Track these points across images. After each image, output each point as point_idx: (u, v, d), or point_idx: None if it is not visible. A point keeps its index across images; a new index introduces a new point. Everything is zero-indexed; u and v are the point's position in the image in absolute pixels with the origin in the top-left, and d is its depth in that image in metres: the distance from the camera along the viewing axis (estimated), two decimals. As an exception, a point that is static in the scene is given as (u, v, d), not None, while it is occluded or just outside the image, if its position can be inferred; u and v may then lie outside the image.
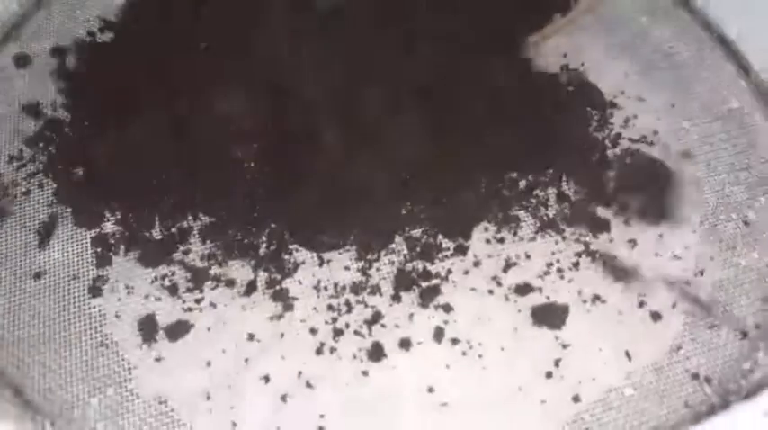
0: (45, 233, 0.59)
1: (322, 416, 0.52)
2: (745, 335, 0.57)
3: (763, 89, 0.73)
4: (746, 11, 0.75)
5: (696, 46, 0.78)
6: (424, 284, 0.58)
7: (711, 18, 0.80)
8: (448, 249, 0.60)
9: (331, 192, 0.59)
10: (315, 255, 0.60)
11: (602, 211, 0.62)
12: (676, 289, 0.59)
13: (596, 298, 0.58)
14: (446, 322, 0.56)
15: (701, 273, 0.60)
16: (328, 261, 0.59)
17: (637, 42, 0.78)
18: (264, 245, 0.60)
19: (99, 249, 0.59)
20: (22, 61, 0.73)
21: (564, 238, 0.61)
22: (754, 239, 0.62)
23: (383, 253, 0.60)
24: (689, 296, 0.59)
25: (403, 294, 0.57)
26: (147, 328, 0.55)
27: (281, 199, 0.60)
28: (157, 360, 0.54)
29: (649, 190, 0.64)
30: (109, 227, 0.60)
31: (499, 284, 0.58)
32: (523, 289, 0.58)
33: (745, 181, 0.65)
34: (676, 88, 0.73)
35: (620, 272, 0.59)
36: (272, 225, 0.60)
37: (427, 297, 0.57)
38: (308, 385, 0.53)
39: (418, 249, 0.60)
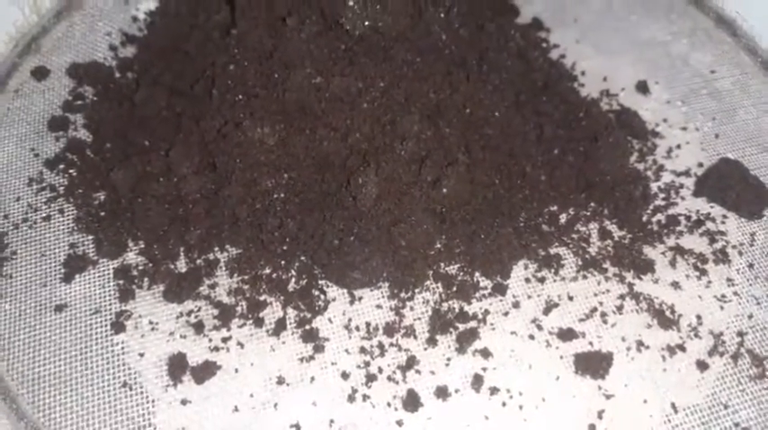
0: (72, 269, 0.57)
1: (355, 469, 0.50)
2: (796, 387, 0.54)
3: (812, 120, 0.70)
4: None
5: (739, 71, 0.75)
6: (460, 327, 0.55)
7: (757, 42, 0.77)
8: (485, 288, 0.58)
9: (363, 226, 0.56)
10: (346, 291, 0.57)
11: (647, 250, 0.60)
12: (723, 335, 0.56)
13: (640, 344, 0.55)
14: (484, 369, 0.54)
15: (749, 317, 0.57)
16: (360, 298, 0.57)
17: (677, 65, 0.75)
18: (294, 279, 0.57)
19: (122, 282, 0.57)
20: (40, 75, 0.71)
21: (607, 279, 0.58)
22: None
23: (417, 290, 0.57)
24: (736, 344, 0.56)
25: (439, 337, 0.55)
26: (175, 368, 0.52)
27: (310, 232, 0.57)
28: (183, 403, 0.52)
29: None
30: (132, 257, 0.58)
31: (540, 328, 0.56)
32: (566, 334, 0.55)
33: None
34: (720, 117, 0.71)
35: (664, 316, 0.57)
36: (302, 258, 0.58)
37: (464, 341, 0.54)
38: (341, 434, 0.51)
39: (454, 288, 0.57)
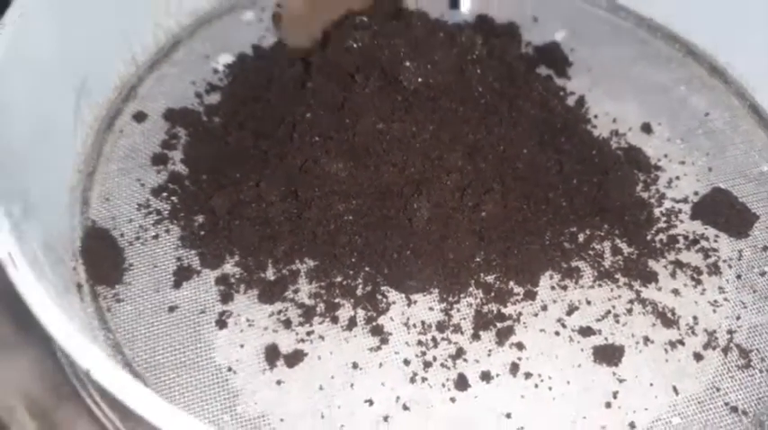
0: (180, 277, 0.70)
1: (419, 434, 0.62)
2: (776, 374, 0.66)
3: (792, 155, 0.83)
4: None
5: (730, 113, 0.88)
6: (498, 325, 0.68)
7: (745, 88, 0.90)
8: (518, 294, 0.70)
9: (416, 243, 0.69)
10: (404, 296, 0.70)
11: (651, 263, 0.72)
12: (715, 333, 0.68)
13: (647, 339, 0.68)
14: (519, 358, 0.66)
15: (737, 318, 0.70)
16: (415, 301, 0.70)
17: (676, 108, 0.88)
18: (361, 286, 0.70)
19: (222, 287, 0.70)
20: (140, 118, 0.84)
21: (618, 287, 0.71)
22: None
23: (462, 295, 0.70)
24: (726, 340, 0.68)
25: (481, 333, 0.67)
26: (271, 356, 0.65)
27: (374, 248, 0.70)
28: (278, 383, 0.64)
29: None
30: (229, 268, 0.71)
31: (564, 326, 0.68)
32: (585, 331, 0.67)
33: (775, 238, 0.75)
34: (713, 153, 0.83)
35: (666, 317, 0.69)
36: (367, 269, 0.70)
37: (502, 336, 0.67)
38: (405, 408, 0.63)
39: (492, 293, 0.70)
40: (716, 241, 0.75)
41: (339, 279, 0.70)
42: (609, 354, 0.66)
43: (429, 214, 0.68)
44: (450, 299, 0.69)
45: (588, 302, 0.70)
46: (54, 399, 0.62)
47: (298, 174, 0.70)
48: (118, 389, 0.45)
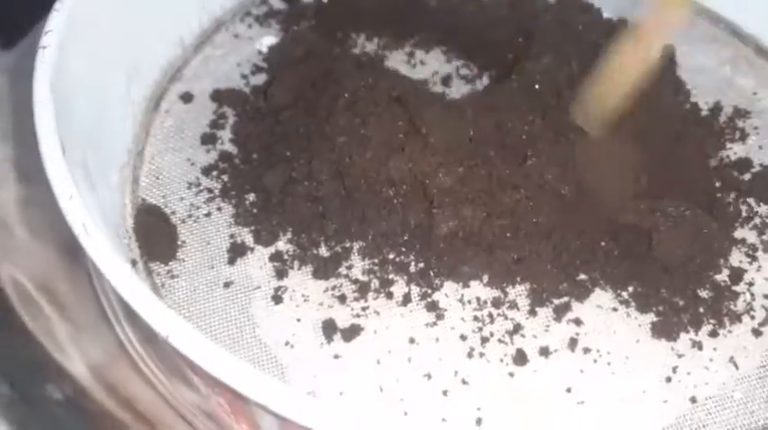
0: (235, 254, 0.70)
1: (479, 408, 0.62)
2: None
3: None
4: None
5: (778, 92, 0.87)
6: (556, 301, 0.67)
7: (794, 66, 0.89)
8: (573, 271, 0.70)
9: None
10: (458, 274, 0.70)
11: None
12: (773, 309, 0.68)
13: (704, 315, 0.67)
14: (578, 334, 0.66)
15: (797, 294, 0.69)
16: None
17: (723, 89, 0.87)
18: (413, 263, 0.70)
19: (277, 264, 0.70)
20: (187, 98, 0.84)
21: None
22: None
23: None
24: (784, 316, 0.68)
25: (538, 309, 0.67)
26: (328, 330, 0.65)
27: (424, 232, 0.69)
28: (336, 357, 0.64)
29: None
30: (282, 245, 0.71)
31: (621, 303, 0.68)
32: (642, 307, 0.67)
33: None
34: (763, 131, 0.83)
35: (723, 293, 0.68)
36: (418, 246, 0.70)
37: (560, 312, 0.66)
38: (464, 382, 0.63)
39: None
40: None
41: (392, 256, 0.70)
42: (667, 330, 0.65)
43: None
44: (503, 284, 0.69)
45: (644, 278, 0.69)
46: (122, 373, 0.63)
47: (345, 155, 0.70)
48: (199, 355, 0.45)
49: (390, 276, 0.69)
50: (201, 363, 0.45)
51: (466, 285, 0.69)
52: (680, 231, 0.66)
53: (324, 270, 0.69)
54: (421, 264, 0.69)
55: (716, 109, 0.84)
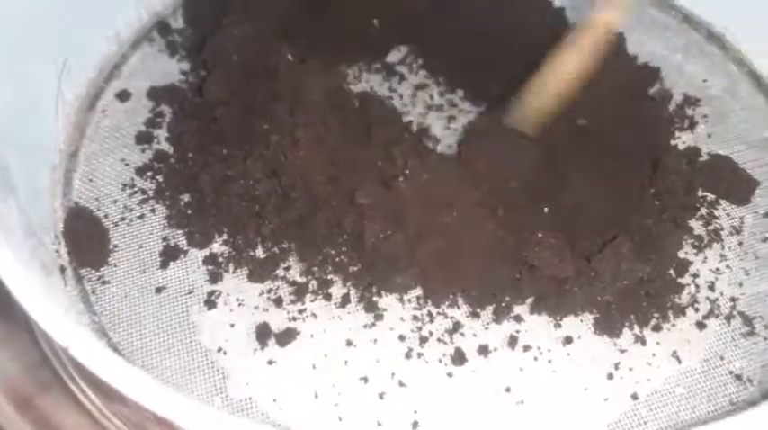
0: (168, 257, 0.68)
1: (415, 411, 0.60)
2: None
3: (793, 119, 0.81)
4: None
5: (728, 80, 0.86)
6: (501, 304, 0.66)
7: (743, 54, 0.88)
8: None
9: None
10: (398, 272, 0.68)
11: (651, 232, 0.70)
12: (717, 301, 0.67)
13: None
14: (518, 331, 0.64)
15: (740, 285, 0.68)
16: (408, 281, 0.68)
17: (673, 77, 0.86)
18: (353, 263, 0.68)
19: (211, 267, 0.68)
20: (124, 96, 0.82)
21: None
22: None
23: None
24: (729, 307, 0.66)
25: (479, 310, 0.65)
26: (262, 335, 0.63)
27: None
28: (270, 363, 0.62)
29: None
30: (217, 247, 0.69)
31: (563, 298, 0.66)
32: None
33: (777, 202, 0.74)
34: (712, 119, 0.81)
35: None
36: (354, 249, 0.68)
37: (500, 313, 0.65)
38: (401, 384, 0.61)
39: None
40: (716, 208, 0.73)
41: (331, 255, 0.68)
42: (610, 326, 0.64)
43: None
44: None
45: (587, 273, 0.68)
46: (38, 388, 0.60)
47: (280, 153, 0.68)
48: (96, 365, 0.43)
49: (329, 276, 0.67)
50: (102, 375, 0.43)
51: (403, 290, 0.67)
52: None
53: (260, 272, 0.67)
54: (358, 266, 0.67)
55: (666, 97, 0.82)
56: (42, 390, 0.57)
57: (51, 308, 0.45)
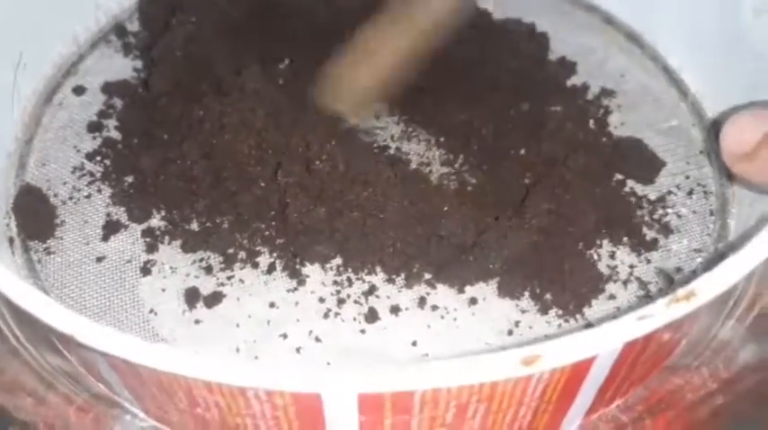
0: (109, 231, 0.73)
1: (328, 363, 0.65)
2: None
3: (697, 109, 0.87)
4: (688, 46, 0.90)
5: (645, 74, 0.92)
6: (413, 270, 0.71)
7: (659, 52, 0.95)
8: (431, 238, 0.74)
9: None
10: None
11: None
12: (617, 268, 0.72)
13: (550, 274, 0.71)
14: (428, 293, 0.69)
15: (638, 254, 0.73)
16: (331, 250, 0.73)
17: (595, 72, 0.92)
18: (279, 236, 0.73)
19: (148, 239, 0.73)
20: (79, 91, 0.88)
21: (526, 228, 0.74)
22: (686, 230, 0.76)
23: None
24: (627, 273, 0.72)
25: (394, 277, 0.71)
26: (191, 298, 0.68)
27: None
28: (196, 322, 0.67)
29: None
30: (155, 222, 0.74)
31: (475, 266, 0.72)
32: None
33: (679, 183, 0.80)
34: (626, 109, 0.88)
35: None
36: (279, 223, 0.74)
37: (412, 279, 0.70)
38: (317, 340, 0.66)
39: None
40: (624, 186, 0.79)
41: (260, 229, 0.73)
42: (512, 289, 0.69)
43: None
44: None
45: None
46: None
47: (211, 137, 0.74)
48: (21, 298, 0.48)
49: (257, 248, 0.73)
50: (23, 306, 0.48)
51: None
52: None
53: (192, 243, 0.72)
54: (284, 239, 0.73)
55: (583, 88, 0.88)
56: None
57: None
